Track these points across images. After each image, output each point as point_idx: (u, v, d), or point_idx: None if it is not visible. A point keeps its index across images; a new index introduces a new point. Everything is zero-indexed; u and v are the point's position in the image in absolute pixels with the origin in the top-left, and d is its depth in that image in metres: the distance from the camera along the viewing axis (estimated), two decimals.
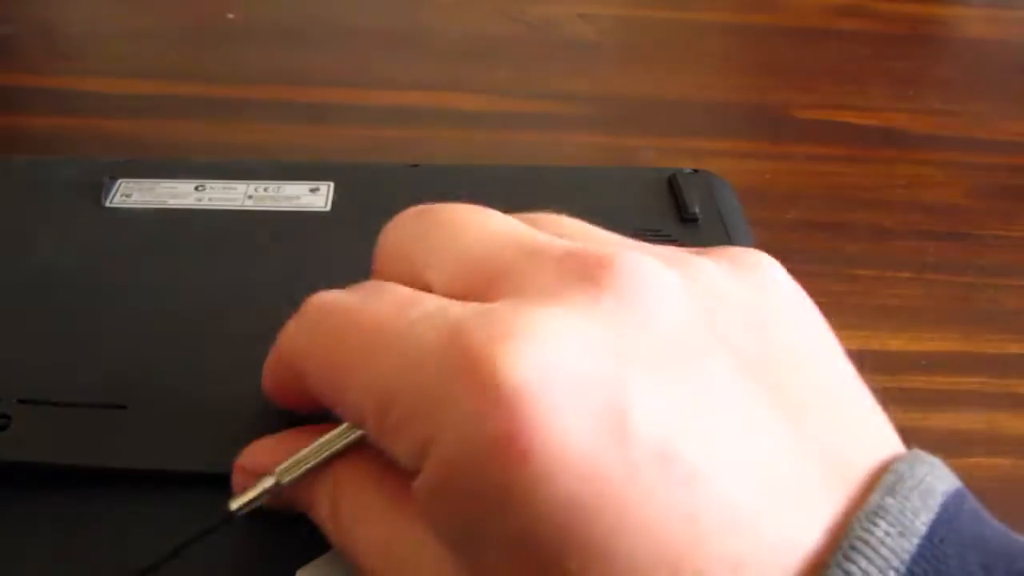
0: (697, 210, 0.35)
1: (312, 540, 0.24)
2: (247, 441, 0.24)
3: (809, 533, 0.17)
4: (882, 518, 0.17)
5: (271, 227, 0.35)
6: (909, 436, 0.23)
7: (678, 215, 0.35)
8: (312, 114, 0.56)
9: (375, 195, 0.36)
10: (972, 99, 0.63)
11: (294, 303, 0.30)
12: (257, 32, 0.66)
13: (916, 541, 0.16)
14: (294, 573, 0.23)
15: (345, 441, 0.22)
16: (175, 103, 0.57)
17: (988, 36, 0.72)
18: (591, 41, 0.68)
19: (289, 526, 0.24)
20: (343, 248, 0.34)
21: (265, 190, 0.36)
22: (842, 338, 0.24)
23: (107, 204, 0.35)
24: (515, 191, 0.36)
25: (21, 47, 0.64)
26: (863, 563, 0.16)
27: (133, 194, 0.36)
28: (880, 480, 0.18)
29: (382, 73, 0.62)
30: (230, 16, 0.67)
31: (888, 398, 0.27)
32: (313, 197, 0.36)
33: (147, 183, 0.37)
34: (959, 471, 0.20)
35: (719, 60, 0.70)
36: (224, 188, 0.36)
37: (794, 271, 0.25)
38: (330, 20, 0.68)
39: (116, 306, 0.31)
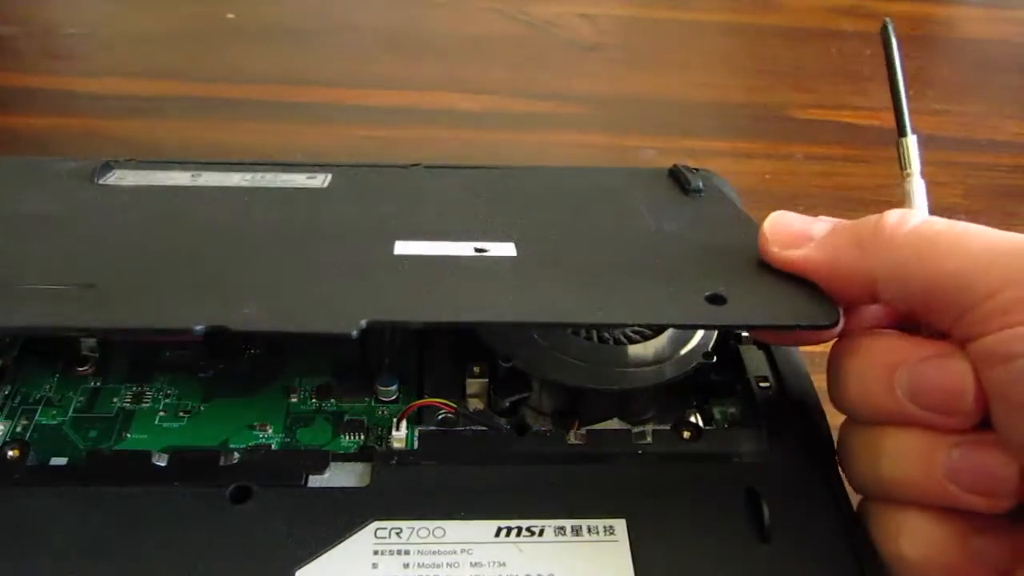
0: (700, 185, 0.35)
1: (312, 540, 0.24)
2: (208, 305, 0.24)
3: None
4: None
5: (267, 196, 0.34)
6: None
7: (682, 191, 0.35)
8: (312, 114, 0.56)
9: (375, 181, 0.36)
10: (972, 99, 0.63)
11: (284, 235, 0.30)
12: (257, 32, 0.66)
13: None
14: (294, 573, 0.23)
15: None
16: (175, 103, 0.57)
17: (988, 36, 0.72)
18: (591, 41, 0.68)
19: (289, 526, 0.24)
20: (340, 203, 0.33)
21: (262, 176, 0.36)
22: None
23: (99, 183, 0.34)
24: (514, 190, 0.36)
25: (21, 47, 0.64)
26: None
27: (127, 178, 0.35)
28: None
29: (382, 73, 0.62)
30: (230, 16, 0.67)
31: None
32: (310, 181, 0.35)
33: (142, 172, 0.36)
34: None
35: (719, 60, 0.70)
36: (220, 175, 0.36)
37: None
38: (330, 20, 0.68)
39: (96, 232, 0.30)
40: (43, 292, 0.25)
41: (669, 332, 0.30)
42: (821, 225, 0.25)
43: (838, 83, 0.64)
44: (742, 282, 0.26)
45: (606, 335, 0.30)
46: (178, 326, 0.23)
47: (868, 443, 0.24)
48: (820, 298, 0.25)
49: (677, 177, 0.36)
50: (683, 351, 0.30)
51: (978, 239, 0.23)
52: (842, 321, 0.24)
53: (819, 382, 0.30)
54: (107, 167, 0.35)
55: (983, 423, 0.22)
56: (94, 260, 0.27)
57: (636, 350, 0.30)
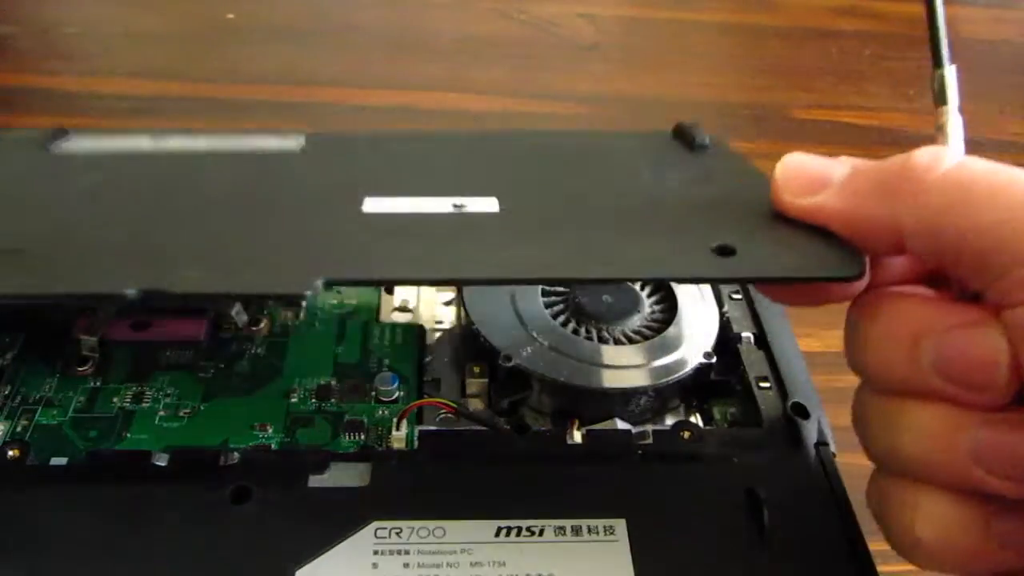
0: (707, 140, 0.32)
1: (312, 540, 0.24)
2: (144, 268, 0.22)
3: None
4: None
5: (231, 159, 0.31)
6: None
7: (687, 148, 0.32)
8: (312, 114, 0.56)
9: (352, 145, 0.33)
10: (972, 99, 0.63)
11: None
12: (257, 32, 0.66)
13: None
14: (294, 573, 0.23)
15: None
16: (175, 103, 0.57)
17: (989, 36, 0.72)
18: (591, 41, 0.68)
19: (289, 526, 0.24)
20: (309, 165, 0.30)
21: (230, 141, 0.32)
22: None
23: (51, 150, 0.31)
24: (500, 150, 0.32)
25: (21, 47, 0.64)
26: None
27: (83, 145, 0.32)
28: None
29: (382, 73, 0.62)
30: (230, 16, 0.67)
31: None
32: (282, 144, 0.32)
33: (101, 139, 0.33)
34: None
35: (719, 60, 0.70)
36: (185, 139, 0.32)
37: None
38: (330, 20, 0.68)
39: (36, 198, 0.28)
40: None
41: (668, 332, 0.30)
42: (841, 168, 0.22)
43: (838, 83, 0.64)
44: (754, 233, 0.23)
45: (606, 335, 0.30)
46: (108, 291, 0.21)
47: (886, 414, 0.22)
48: (841, 247, 0.22)
49: (682, 135, 0.32)
50: (683, 351, 0.30)
51: (1021, 189, 0.20)
52: (868, 273, 0.22)
53: (819, 382, 0.30)
54: (61, 133, 0.33)
55: (1017, 401, 0.20)
56: (28, 226, 0.25)
57: (636, 350, 0.30)
